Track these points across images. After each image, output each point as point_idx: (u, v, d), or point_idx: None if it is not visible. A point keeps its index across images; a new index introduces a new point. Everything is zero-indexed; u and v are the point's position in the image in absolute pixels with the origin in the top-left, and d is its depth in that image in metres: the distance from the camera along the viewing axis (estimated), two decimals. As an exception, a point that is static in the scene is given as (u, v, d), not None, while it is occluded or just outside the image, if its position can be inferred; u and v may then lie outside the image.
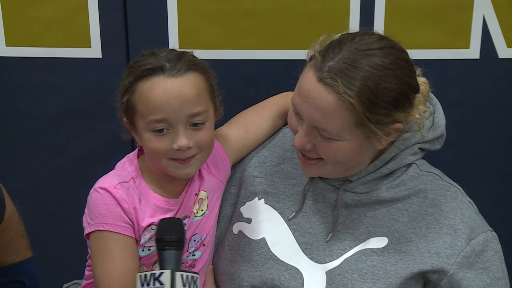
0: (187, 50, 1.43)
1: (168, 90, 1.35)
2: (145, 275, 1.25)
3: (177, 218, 1.38)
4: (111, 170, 1.49)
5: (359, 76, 1.31)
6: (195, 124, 1.38)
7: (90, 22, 1.85)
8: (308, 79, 1.36)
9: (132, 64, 1.40)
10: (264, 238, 1.54)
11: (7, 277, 1.65)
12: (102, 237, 1.39)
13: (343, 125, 1.35)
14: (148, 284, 1.24)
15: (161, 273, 1.24)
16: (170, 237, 1.28)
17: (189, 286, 1.25)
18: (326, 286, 1.45)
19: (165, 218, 1.37)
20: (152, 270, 1.29)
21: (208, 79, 1.41)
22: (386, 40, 1.39)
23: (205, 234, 1.52)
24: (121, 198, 1.40)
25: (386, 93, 1.33)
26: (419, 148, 1.51)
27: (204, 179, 1.52)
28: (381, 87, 1.32)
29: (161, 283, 1.24)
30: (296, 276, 1.48)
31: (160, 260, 1.29)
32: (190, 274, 1.27)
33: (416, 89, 1.40)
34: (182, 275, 1.25)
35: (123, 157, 1.52)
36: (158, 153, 1.39)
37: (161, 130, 1.37)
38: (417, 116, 1.41)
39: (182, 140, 1.36)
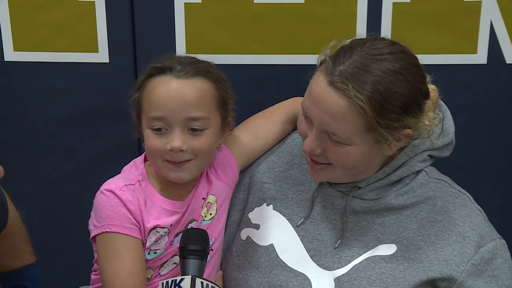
0: (208, 60, 1.44)
1: (170, 89, 1.37)
2: (167, 282, 1.28)
3: (203, 229, 1.39)
4: (119, 173, 1.49)
5: (370, 81, 1.31)
6: (194, 129, 1.38)
7: (98, 27, 1.85)
8: (319, 83, 1.36)
9: (151, 64, 1.42)
10: (272, 244, 1.53)
11: (10, 282, 1.64)
12: (110, 239, 1.39)
13: (354, 130, 1.35)
14: None
15: (182, 279, 1.26)
16: (193, 246, 1.31)
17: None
18: (334, 293, 1.46)
19: (191, 228, 1.40)
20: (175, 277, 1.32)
21: (218, 89, 1.42)
22: (397, 45, 1.39)
23: (213, 239, 1.52)
24: (127, 199, 1.40)
25: (396, 98, 1.33)
26: (428, 155, 1.50)
27: (212, 183, 1.52)
28: (392, 91, 1.32)
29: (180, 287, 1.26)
30: (304, 282, 1.47)
31: (182, 268, 1.31)
32: (211, 284, 1.28)
33: (426, 94, 1.40)
34: (202, 282, 1.26)
35: (130, 161, 1.52)
36: (154, 151, 1.40)
37: (159, 129, 1.38)
38: (426, 122, 1.41)
39: (176, 141, 1.37)
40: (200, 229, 1.41)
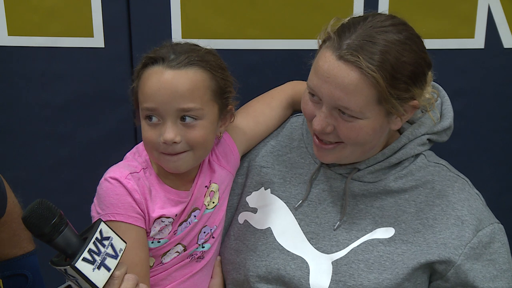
0: (208, 47, 1.42)
1: (162, 80, 1.35)
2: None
3: (35, 203, 1.19)
4: (114, 159, 1.48)
5: (378, 51, 1.33)
6: (184, 119, 1.36)
7: (93, 11, 1.83)
8: (327, 59, 1.36)
9: (147, 53, 1.41)
10: (270, 227, 1.53)
11: (10, 270, 1.63)
12: (114, 228, 1.36)
13: (366, 102, 1.35)
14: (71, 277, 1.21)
15: (65, 269, 1.19)
16: (46, 228, 1.18)
17: (99, 253, 1.20)
18: (332, 276, 1.45)
19: (25, 217, 1.18)
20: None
21: (214, 78, 1.40)
22: (396, 18, 1.41)
23: (215, 226, 1.51)
24: (133, 188, 1.38)
25: (405, 67, 1.34)
26: (427, 139, 1.51)
27: (215, 171, 1.51)
28: (400, 61, 1.34)
29: (72, 276, 1.20)
30: (302, 265, 1.47)
31: (58, 250, 1.21)
32: (90, 244, 1.19)
33: (429, 65, 1.41)
34: (84, 257, 1.18)
35: (128, 147, 1.51)
36: (149, 144, 1.39)
37: (150, 118, 1.36)
38: (427, 96, 1.43)
39: (168, 134, 1.35)
40: (33, 207, 1.19)
